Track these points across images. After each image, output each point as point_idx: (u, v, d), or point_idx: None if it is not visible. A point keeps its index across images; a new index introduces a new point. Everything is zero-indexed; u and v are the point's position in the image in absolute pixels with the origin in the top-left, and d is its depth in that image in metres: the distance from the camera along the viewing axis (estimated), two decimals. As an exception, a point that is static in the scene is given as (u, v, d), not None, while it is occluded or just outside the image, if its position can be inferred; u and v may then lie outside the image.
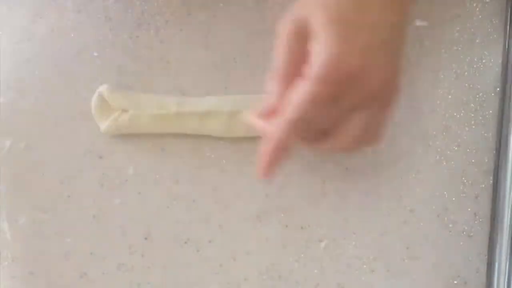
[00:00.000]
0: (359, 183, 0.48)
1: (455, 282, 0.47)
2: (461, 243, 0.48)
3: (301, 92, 0.36)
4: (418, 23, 0.48)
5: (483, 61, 0.48)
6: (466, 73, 0.48)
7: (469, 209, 0.48)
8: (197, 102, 0.47)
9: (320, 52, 0.36)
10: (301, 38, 0.37)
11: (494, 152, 0.48)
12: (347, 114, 0.38)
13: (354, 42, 0.36)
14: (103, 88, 0.47)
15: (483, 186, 0.48)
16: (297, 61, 0.38)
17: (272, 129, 0.38)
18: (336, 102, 0.37)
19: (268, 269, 0.48)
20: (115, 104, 0.47)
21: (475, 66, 0.48)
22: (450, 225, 0.48)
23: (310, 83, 0.36)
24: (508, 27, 0.48)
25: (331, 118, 0.38)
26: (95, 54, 0.49)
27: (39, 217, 0.48)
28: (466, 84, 0.48)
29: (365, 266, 0.48)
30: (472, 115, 0.48)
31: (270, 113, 0.40)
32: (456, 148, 0.48)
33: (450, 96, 0.48)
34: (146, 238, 0.48)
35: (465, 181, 0.48)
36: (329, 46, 0.35)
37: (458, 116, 0.48)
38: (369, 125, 0.38)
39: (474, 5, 0.48)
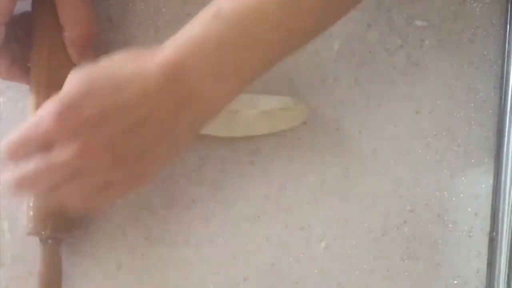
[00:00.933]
0: (359, 183, 0.48)
1: (455, 282, 0.47)
2: (461, 243, 0.48)
3: None
4: (418, 23, 0.48)
5: (483, 61, 0.48)
6: (466, 73, 0.48)
7: (469, 209, 0.48)
8: None
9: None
10: None
11: (494, 152, 0.48)
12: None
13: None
14: None
15: (483, 186, 0.48)
16: None
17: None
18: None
19: (268, 269, 0.48)
20: None
21: (475, 66, 0.48)
22: (450, 225, 0.48)
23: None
24: (508, 27, 0.48)
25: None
26: (95, 54, 0.49)
27: (39, 217, 0.48)
28: (466, 84, 0.48)
29: (365, 266, 0.48)
30: (472, 115, 0.48)
31: None
32: (456, 148, 0.48)
33: (450, 96, 0.48)
34: (146, 238, 0.48)
35: (465, 181, 0.48)
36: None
37: (458, 116, 0.48)
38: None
39: (474, 5, 0.48)
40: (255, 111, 0.46)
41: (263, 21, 0.35)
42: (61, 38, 0.42)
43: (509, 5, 0.48)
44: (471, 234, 0.48)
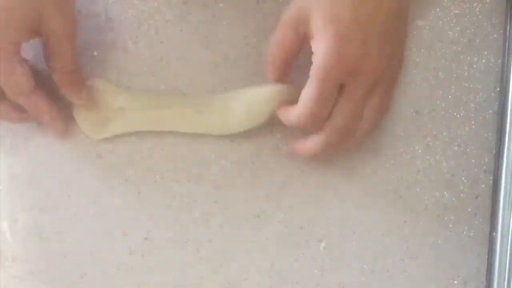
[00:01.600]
0: (359, 183, 0.48)
1: (455, 282, 0.47)
2: (461, 243, 0.48)
3: (308, 90, 0.41)
4: (418, 23, 0.48)
5: (483, 61, 0.48)
6: (466, 73, 0.48)
7: (469, 209, 0.48)
8: (192, 99, 0.47)
9: (318, 53, 0.39)
10: (299, 34, 0.41)
11: (494, 152, 0.48)
12: (359, 103, 0.41)
13: (349, 41, 0.39)
14: (97, 82, 0.47)
15: (483, 186, 0.48)
16: (293, 51, 0.43)
17: (291, 121, 0.43)
18: (343, 94, 0.41)
19: (268, 269, 0.48)
20: (110, 100, 0.47)
21: (475, 66, 0.48)
22: (450, 225, 0.48)
23: (314, 82, 0.40)
24: (508, 27, 0.48)
25: (345, 111, 0.41)
26: (95, 54, 0.49)
27: (39, 217, 0.48)
28: (466, 84, 0.48)
29: (365, 266, 0.48)
30: (472, 115, 0.48)
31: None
32: (456, 148, 0.48)
33: (450, 96, 0.48)
34: (146, 238, 0.48)
35: (465, 181, 0.48)
36: (325, 47, 0.39)
37: (458, 116, 0.48)
38: (381, 105, 0.42)
39: (474, 5, 0.48)
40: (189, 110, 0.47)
41: None
42: None
43: (509, 5, 0.48)
44: (471, 234, 0.48)
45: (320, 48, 0.39)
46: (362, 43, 0.39)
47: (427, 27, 0.48)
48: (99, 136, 0.48)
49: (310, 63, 0.40)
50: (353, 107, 0.41)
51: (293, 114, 0.42)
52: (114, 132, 0.48)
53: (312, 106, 0.40)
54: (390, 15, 0.40)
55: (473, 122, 0.48)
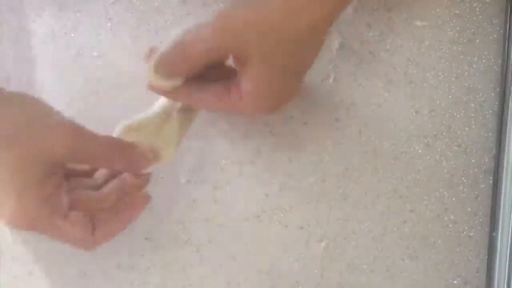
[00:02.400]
0: (359, 183, 0.48)
1: (455, 282, 0.47)
2: (461, 243, 0.48)
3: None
4: (418, 23, 0.48)
5: (483, 61, 0.48)
6: (466, 73, 0.48)
7: (469, 209, 0.48)
8: None
9: (249, 93, 0.39)
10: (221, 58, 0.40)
11: (494, 152, 0.48)
12: None
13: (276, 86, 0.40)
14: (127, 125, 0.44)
15: (483, 186, 0.48)
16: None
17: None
18: None
19: (268, 269, 0.48)
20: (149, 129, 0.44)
21: (475, 66, 0.48)
22: (450, 225, 0.48)
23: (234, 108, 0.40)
24: (508, 27, 0.48)
25: None
26: (95, 54, 0.49)
27: (39, 217, 0.48)
28: (466, 84, 0.48)
29: (365, 266, 0.48)
30: (472, 115, 0.48)
31: None
32: (456, 148, 0.48)
33: (450, 96, 0.48)
34: (146, 238, 0.48)
35: (465, 181, 0.48)
36: (257, 92, 0.39)
37: (458, 116, 0.48)
38: None
39: (474, 5, 0.48)
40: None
41: None
42: None
43: (509, 5, 0.48)
44: (471, 234, 0.48)
45: (251, 90, 0.39)
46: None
47: (427, 27, 0.48)
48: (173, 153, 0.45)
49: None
50: None
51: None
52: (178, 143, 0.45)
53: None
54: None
55: (473, 122, 0.48)
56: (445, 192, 0.48)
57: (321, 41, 0.40)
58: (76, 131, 0.39)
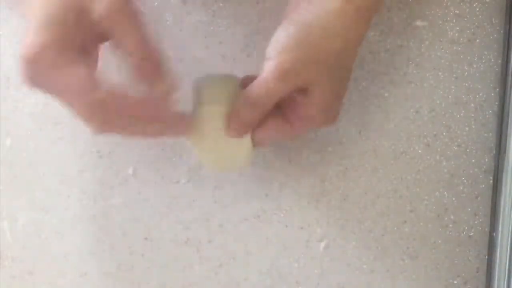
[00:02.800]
0: (359, 183, 0.48)
1: (455, 282, 0.47)
2: (461, 243, 0.48)
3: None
4: (418, 23, 0.48)
5: (483, 61, 0.48)
6: (466, 73, 0.48)
7: (469, 209, 0.48)
8: None
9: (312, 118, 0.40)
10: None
11: (494, 152, 0.48)
12: None
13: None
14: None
15: (483, 186, 0.48)
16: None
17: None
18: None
19: (268, 269, 0.48)
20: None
21: (475, 66, 0.48)
22: (450, 225, 0.48)
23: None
24: (508, 27, 0.48)
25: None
26: (95, 54, 0.49)
27: (39, 217, 0.48)
28: (466, 84, 0.48)
29: (365, 266, 0.48)
30: (472, 115, 0.48)
31: None
32: (456, 148, 0.48)
33: (450, 96, 0.48)
34: (146, 238, 0.48)
35: (465, 181, 0.48)
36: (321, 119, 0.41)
37: (458, 116, 0.48)
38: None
39: (474, 5, 0.48)
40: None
41: None
42: None
43: (509, 5, 0.48)
44: (471, 234, 0.48)
45: (314, 117, 0.40)
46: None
47: (427, 27, 0.48)
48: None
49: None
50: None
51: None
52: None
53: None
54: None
55: (473, 122, 0.48)
56: (445, 192, 0.48)
57: (356, 52, 0.42)
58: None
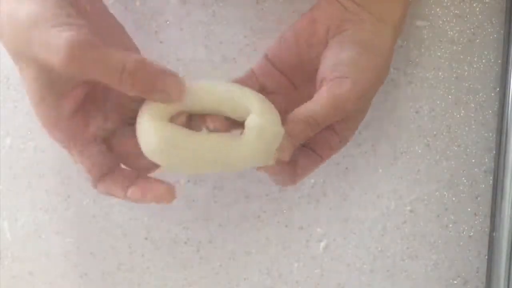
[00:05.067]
0: (359, 183, 0.48)
1: (455, 282, 0.47)
2: (461, 243, 0.48)
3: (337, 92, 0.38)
4: (418, 23, 0.48)
5: (483, 61, 0.48)
6: (466, 73, 0.48)
7: (469, 209, 0.48)
8: None
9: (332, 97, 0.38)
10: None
11: (494, 152, 0.48)
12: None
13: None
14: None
15: (483, 186, 0.48)
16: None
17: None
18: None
19: (268, 269, 0.48)
20: None
21: (475, 66, 0.48)
22: (450, 225, 0.48)
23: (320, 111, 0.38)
24: (508, 27, 0.48)
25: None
26: (95, 54, 0.49)
27: (39, 217, 0.48)
28: (466, 84, 0.48)
29: (365, 266, 0.48)
30: (472, 115, 0.48)
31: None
32: (456, 148, 0.48)
33: (450, 96, 0.48)
34: (146, 238, 0.48)
35: (465, 181, 0.48)
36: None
37: (458, 116, 0.48)
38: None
39: (474, 5, 0.48)
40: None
41: None
42: None
43: (509, 5, 0.48)
44: (471, 234, 0.48)
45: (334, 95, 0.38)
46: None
47: (427, 27, 0.48)
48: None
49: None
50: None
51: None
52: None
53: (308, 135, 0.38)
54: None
55: (473, 122, 0.48)
56: (445, 192, 0.48)
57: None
58: (84, 42, 0.33)
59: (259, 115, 0.37)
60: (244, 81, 0.41)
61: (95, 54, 0.33)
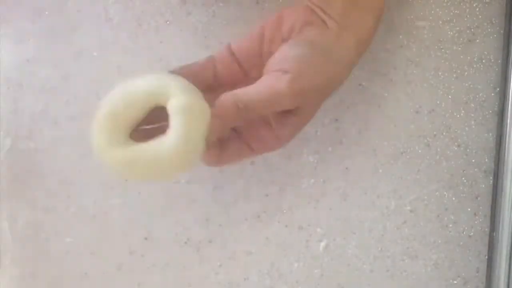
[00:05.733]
0: (359, 183, 0.48)
1: (455, 282, 0.47)
2: (461, 243, 0.48)
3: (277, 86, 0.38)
4: (418, 23, 0.48)
5: (483, 61, 0.48)
6: (466, 73, 0.48)
7: (469, 209, 0.48)
8: None
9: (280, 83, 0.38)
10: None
11: (494, 152, 0.48)
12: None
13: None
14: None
15: (483, 186, 0.48)
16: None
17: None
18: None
19: (268, 269, 0.48)
20: None
21: (475, 66, 0.48)
22: (450, 225, 0.48)
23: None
24: (508, 27, 0.48)
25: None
26: (95, 54, 0.49)
27: (39, 217, 0.48)
28: (466, 84, 0.48)
29: (365, 266, 0.48)
30: (472, 115, 0.48)
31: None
32: (456, 148, 0.48)
33: (450, 96, 0.48)
34: (146, 238, 0.48)
35: (465, 181, 0.48)
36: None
37: (458, 116, 0.48)
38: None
39: (474, 5, 0.48)
40: None
41: None
42: None
43: (509, 5, 0.48)
44: (471, 234, 0.48)
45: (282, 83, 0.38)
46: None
47: (427, 27, 0.48)
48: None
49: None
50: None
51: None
52: None
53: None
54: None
55: (473, 122, 0.48)
56: (445, 192, 0.48)
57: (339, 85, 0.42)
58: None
59: (178, 95, 0.37)
60: (202, 66, 0.42)
61: None
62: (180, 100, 0.36)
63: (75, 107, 0.49)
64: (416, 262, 0.47)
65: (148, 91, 0.38)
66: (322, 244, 0.48)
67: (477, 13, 0.48)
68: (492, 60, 0.48)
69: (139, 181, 0.44)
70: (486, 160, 0.48)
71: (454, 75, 0.48)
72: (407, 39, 0.48)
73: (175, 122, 0.36)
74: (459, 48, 0.48)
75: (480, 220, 0.48)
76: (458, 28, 0.48)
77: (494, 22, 0.48)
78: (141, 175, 0.38)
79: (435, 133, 0.48)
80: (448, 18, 0.48)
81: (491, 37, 0.48)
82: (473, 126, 0.48)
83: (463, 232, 0.48)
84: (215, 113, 0.37)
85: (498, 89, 0.48)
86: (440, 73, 0.48)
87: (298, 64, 0.39)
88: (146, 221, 0.48)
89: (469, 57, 0.48)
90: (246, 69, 0.42)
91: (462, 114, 0.48)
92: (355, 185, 0.48)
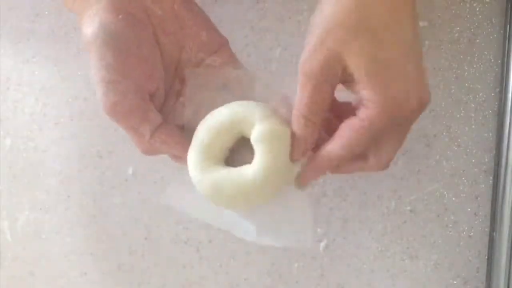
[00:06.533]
0: (359, 183, 0.48)
1: (455, 282, 0.47)
2: (461, 243, 0.48)
3: (356, 130, 0.35)
4: (418, 23, 0.48)
5: (483, 61, 0.48)
6: (466, 73, 0.48)
7: (469, 209, 0.48)
8: None
9: (371, 98, 0.35)
10: (331, 76, 0.35)
11: (494, 152, 0.48)
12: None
13: (397, 82, 0.36)
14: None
15: (483, 186, 0.48)
16: (325, 98, 0.36)
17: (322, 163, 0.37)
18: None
19: (268, 269, 0.48)
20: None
21: (475, 66, 0.48)
22: (450, 225, 0.48)
23: (367, 123, 0.35)
24: (508, 27, 0.48)
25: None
26: (95, 54, 0.49)
27: (39, 217, 0.48)
28: (466, 84, 0.48)
29: (365, 266, 0.48)
30: (472, 115, 0.48)
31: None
32: (456, 148, 0.48)
33: (450, 96, 0.48)
34: (146, 238, 0.48)
35: (465, 181, 0.48)
36: (377, 94, 0.35)
37: (458, 116, 0.48)
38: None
39: (474, 5, 0.48)
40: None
41: None
42: None
43: (509, 5, 0.48)
44: (471, 234, 0.48)
45: (371, 95, 0.35)
46: (407, 82, 0.37)
47: (427, 27, 0.48)
48: None
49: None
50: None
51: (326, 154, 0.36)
52: None
53: (357, 146, 0.35)
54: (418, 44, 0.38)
55: (473, 122, 0.48)
56: (445, 192, 0.48)
57: None
58: None
59: (260, 122, 0.36)
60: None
61: None
62: (262, 128, 0.35)
63: (75, 107, 0.49)
64: (416, 262, 0.47)
65: (232, 119, 0.37)
66: (322, 244, 0.48)
67: (477, 13, 0.48)
68: (492, 60, 0.48)
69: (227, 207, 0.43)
70: (486, 160, 0.48)
71: (454, 75, 0.48)
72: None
73: (258, 149, 0.36)
74: (459, 48, 0.48)
75: (480, 220, 0.48)
76: (458, 28, 0.48)
77: (494, 22, 0.48)
78: (226, 203, 0.37)
79: (435, 133, 0.48)
80: (448, 18, 0.48)
81: (491, 37, 0.48)
82: (473, 126, 0.48)
83: (463, 232, 0.48)
84: (310, 167, 0.37)
85: (498, 89, 0.48)
86: (440, 73, 0.48)
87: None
88: (146, 221, 0.48)
89: (469, 57, 0.48)
90: None
91: (462, 114, 0.48)
92: (355, 185, 0.48)
